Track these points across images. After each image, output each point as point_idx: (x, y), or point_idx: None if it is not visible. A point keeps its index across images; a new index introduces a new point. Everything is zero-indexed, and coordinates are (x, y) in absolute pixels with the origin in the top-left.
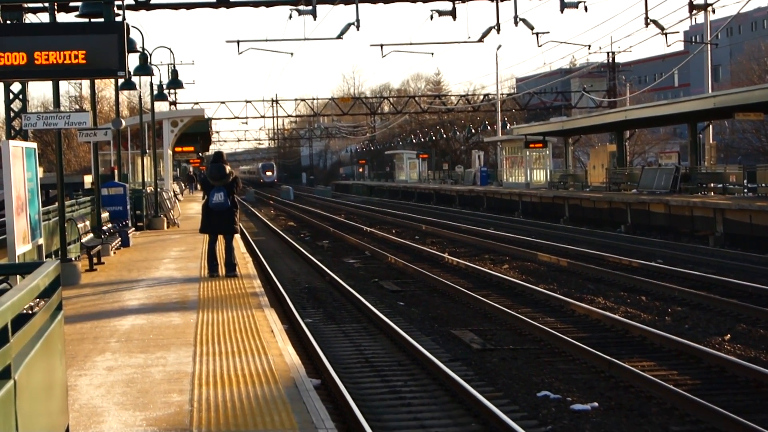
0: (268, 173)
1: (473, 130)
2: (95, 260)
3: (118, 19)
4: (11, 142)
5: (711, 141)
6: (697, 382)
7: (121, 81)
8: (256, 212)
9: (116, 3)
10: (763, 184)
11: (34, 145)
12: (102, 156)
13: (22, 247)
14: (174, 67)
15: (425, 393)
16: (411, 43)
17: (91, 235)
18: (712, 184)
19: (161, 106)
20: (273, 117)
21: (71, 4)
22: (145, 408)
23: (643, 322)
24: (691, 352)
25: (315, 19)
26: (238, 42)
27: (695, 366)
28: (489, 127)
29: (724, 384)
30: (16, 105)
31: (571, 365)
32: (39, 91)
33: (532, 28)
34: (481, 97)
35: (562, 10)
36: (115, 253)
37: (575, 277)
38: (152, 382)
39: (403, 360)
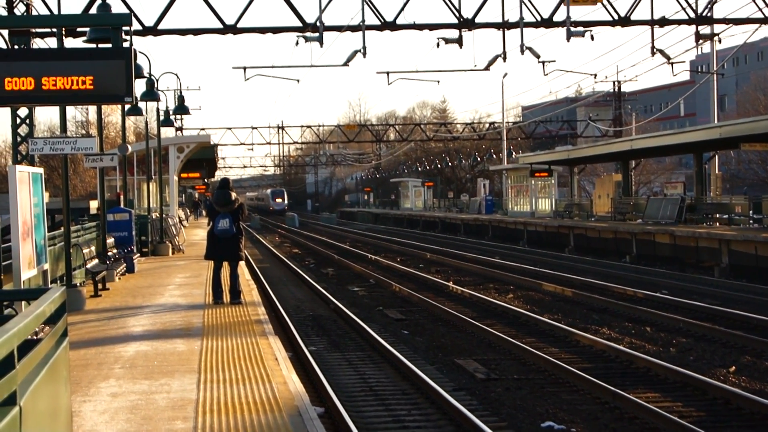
0: (278, 200)
1: (479, 159)
2: (100, 286)
3: (126, 45)
4: (18, 167)
5: (717, 171)
6: (702, 413)
7: (127, 107)
8: (261, 239)
9: (124, 29)
10: None
11: (41, 170)
12: (108, 181)
13: (28, 273)
14: (180, 92)
15: (429, 422)
16: (417, 71)
17: (96, 260)
18: (717, 215)
19: (167, 132)
20: (279, 143)
21: (79, 29)
22: None
23: (647, 353)
24: (696, 383)
25: (321, 46)
26: (244, 68)
27: (700, 398)
28: (494, 156)
29: (729, 416)
30: (23, 130)
31: (575, 396)
32: (45, 116)
33: (538, 57)
34: (487, 125)
35: (568, 39)
36: (120, 278)
37: (580, 307)
38: (156, 409)
39: (407, 389)
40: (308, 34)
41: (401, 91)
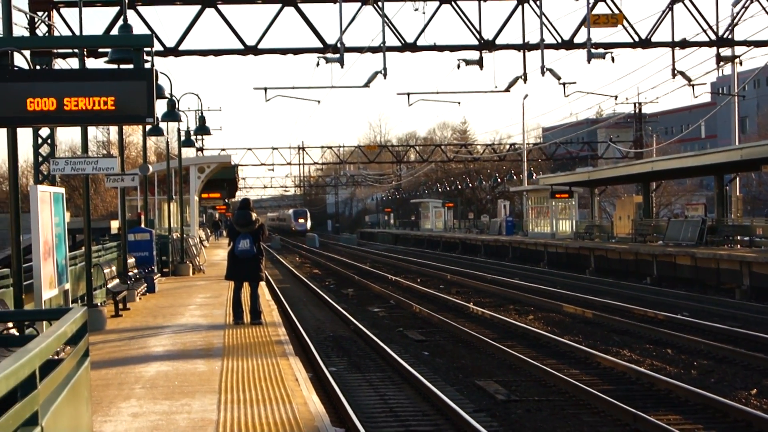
0: (301, 220)
1: (499, 180)
2: (121, 306)
3: (147, 65)
4: (39, 186)
5: (738, 193)
6: None
7: (148, 127)
8: (282, 259)
9: (145, 50)
10: None
11: (62, 190)
12: (129, 201)
13: (49, 292)
14: (201, 113)
15: None
16: (438, 92)
17: (117, 280)
18: (738, 237)
19: (188, 152)
20: (299, 164)
21: (100, 50)
22: None
23: (668, 375)
24: (717, 406)
25: (342, 67)
26: (265, 89)
27: (721, 420)
28: (515, 177)
29: None
30: (45, 150)
31: (596, 418)
32: (67, 136)
33: (558, 78)
34: (507, 146)
35: (589, 61)
36: (140, 298)
37: (600, 328)
38: (177, 430)
39: (427, 410)
40: (329, 55)
41: (422, 112)
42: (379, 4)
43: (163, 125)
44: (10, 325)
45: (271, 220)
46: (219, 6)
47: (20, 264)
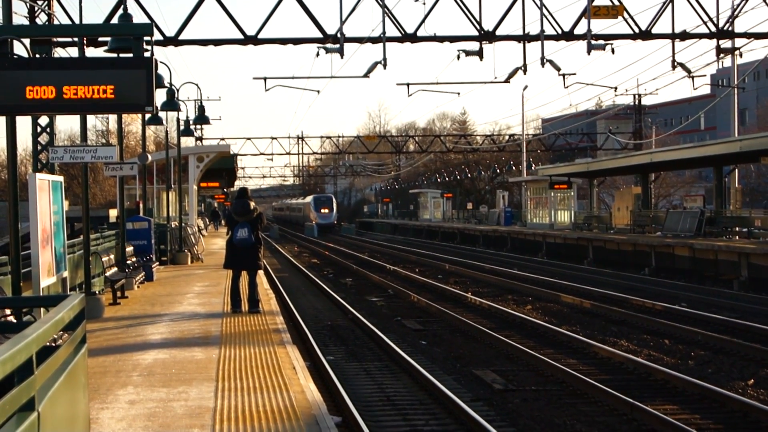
0: (324, 211)
1: (498, 170)
2: (119, 294)
3: (147, 54)
4: (38, 175)
5: (736, 185)
6: (719, 426)
7: (148, 116)
8: (280, 249)
9: (145, 39)
10: None
11: (61, 178)
12: (127, 190)
13: (47, 280)
14: (201, 102)
15: None
16: (437, 83)
17: (115, 268)
18: (737, 228)
19: (187, 142)
20: (298, 154)
21: (100, 39)
22: None
23: (666, 366)
24: (714, 396)
25: (342, 58)
26: (265, 79)
27: (718, 410)
28: (514, 168)
29: (747, 428)
30: (44, 138)
31: (593, 407)
32: (66, 124)
33: (558, 70)
34: (507, 137)
35: (589, 52)
36: (138, 287)
37: (598, 319)
38: (174, 417)
39: (424, 399)
40: (329, 45)
41: (421, 103)
42: None
43: (162, 114)
44: (8, 311)
45: (278, 210)
46: None
47: (18, 252)
